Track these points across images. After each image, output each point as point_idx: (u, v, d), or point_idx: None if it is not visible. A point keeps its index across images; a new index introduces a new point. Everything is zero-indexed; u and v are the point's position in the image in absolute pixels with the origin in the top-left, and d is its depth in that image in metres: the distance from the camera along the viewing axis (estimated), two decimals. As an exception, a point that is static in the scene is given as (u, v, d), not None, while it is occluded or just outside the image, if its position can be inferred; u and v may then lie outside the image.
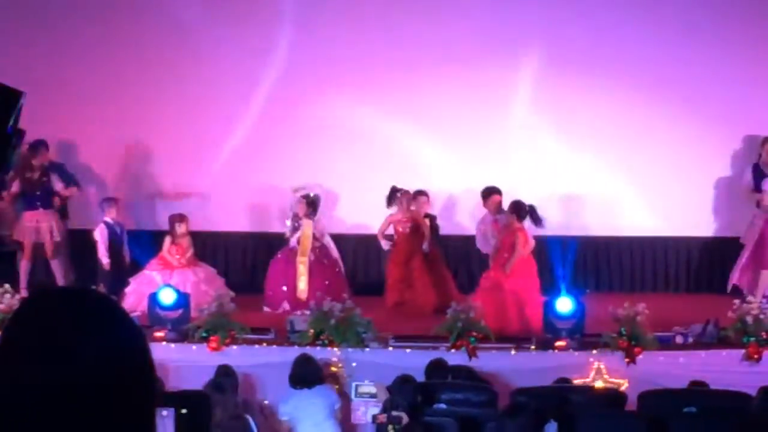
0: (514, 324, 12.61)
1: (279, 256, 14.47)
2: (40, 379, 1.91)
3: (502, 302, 12.79)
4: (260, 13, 15.52)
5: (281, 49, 15.53)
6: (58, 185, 14.47)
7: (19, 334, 1.98)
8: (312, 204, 14.36)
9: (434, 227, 14.57)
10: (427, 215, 14.50)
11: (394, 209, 14.27)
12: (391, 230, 14.40)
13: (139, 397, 2.00)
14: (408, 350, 11.70)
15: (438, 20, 15.29)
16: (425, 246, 14.16)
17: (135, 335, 2.03)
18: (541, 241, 13.50)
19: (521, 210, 13.14)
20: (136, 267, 14.18)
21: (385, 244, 14.34)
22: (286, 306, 13.92)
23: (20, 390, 1.91)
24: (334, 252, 14.63)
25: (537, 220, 13.17)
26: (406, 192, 14.20)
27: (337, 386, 11.08)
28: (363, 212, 15.58)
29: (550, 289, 13.40)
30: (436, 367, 10.78)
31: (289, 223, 14.44)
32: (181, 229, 14.20)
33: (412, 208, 14.23)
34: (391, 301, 14.11)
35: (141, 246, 14.21)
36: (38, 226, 14.30)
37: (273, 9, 15.51)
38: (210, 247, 15.43)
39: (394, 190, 14.23)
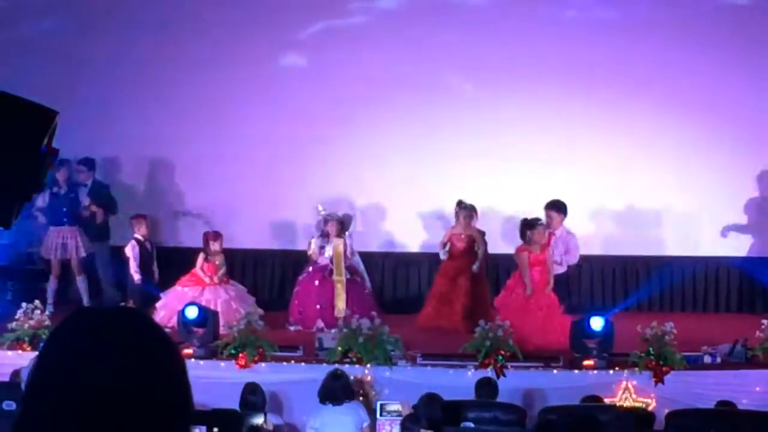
0: (560, 337, 12.46)
1: (307, 274, 14.36)
2: (78, 396, 1.93)
3: (548, 318, 12.79)
4: (288, 32, 15.60)
5: (305, 66, 15.60)
6: (84, 201, 14.43)
7: (58, 352, 2.00)
8: (342, 223, 14.30)
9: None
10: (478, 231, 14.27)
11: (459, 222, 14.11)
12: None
13: (175, 414, 2.02)
14: (436, 368, 11.67)
15: (474, 35, 15.37)
16: (475, 267, 13.97)
17: (173, 353, 2.06)
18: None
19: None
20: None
21: (442, 254, 14.13)
22: (320, 324, 13.75)
23: (58, 406, 1.94)
24: (362, 270, 14.60)
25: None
26: (465, 207, 14.06)
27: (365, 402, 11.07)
28: (392, 230, 15.60)
29: (578, 308, 13.42)
30: (485, 386, 10.78)
31: (315, 241, 14.40)
32: (215, 246, 14.21)
33: (473, 224, 14.08)
34: (427, 311, 13.99)
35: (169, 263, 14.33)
36: (65, 243, 14.30)
37: (303, 32, 15.62)
38: (238, 265, 15.44)
39: (458, 204, 14.09)
